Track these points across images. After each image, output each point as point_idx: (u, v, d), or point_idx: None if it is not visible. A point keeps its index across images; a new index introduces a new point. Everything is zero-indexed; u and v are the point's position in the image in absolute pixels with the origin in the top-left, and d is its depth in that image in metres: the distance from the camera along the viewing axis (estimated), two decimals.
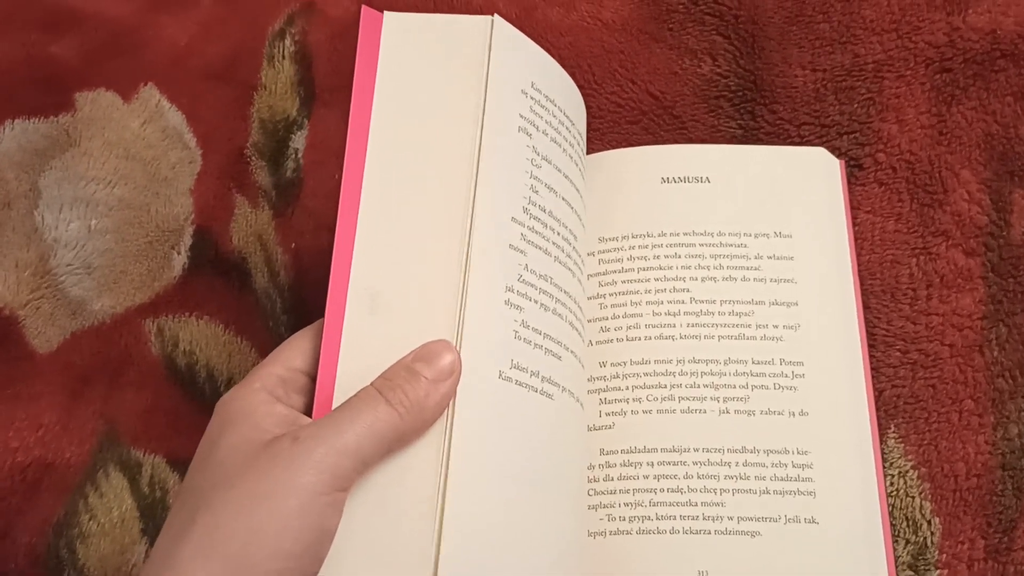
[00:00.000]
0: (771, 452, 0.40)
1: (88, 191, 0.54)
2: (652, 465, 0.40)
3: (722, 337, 0.42)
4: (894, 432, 0.41)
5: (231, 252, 0.52)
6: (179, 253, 0.52)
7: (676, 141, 0.49)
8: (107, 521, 0.45)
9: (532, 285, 0.37)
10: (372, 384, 0.33)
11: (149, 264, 0.52)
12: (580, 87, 0.45)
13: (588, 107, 0.46)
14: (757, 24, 0.50)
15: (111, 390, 0.49)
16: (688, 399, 0.41)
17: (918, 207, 0.45)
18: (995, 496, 0.39)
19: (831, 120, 0.47)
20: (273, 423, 0.32)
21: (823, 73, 0.48)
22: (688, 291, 0.43)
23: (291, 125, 0.54)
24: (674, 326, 0.42)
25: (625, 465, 0.40)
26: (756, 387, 0.41)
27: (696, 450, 0.40)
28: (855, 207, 0.45)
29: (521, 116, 0.38)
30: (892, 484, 0.40)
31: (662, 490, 0.39)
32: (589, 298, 0.43)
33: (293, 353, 0.35)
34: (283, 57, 0.56)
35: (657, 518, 0.39)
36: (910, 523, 0.39)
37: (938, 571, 0.38)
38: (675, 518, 0.39)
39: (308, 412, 0.34)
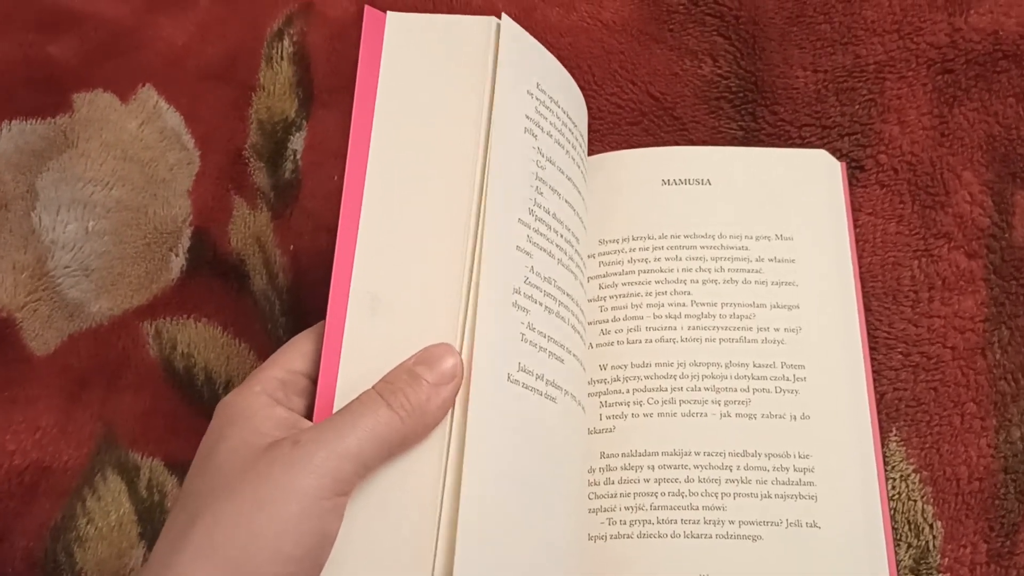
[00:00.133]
0: (772, 456, 0.40)
1: (86, 193, 0.53)
2: (653, 469, 0.40)
3: (723, 340, 0.42)
4: (896, 435, 0.41)
5: (229, 254, 0.51)
6: (177, 255, 0.52)
7: (676, 142, 0.49)
8: (105, 525, 0.45)
9: (537, 287, 0.36)
10: (373, 388, 0.32)
11: (147, 266, 0.52)
12: (580, 88, 0.44)
13: (588, 108, 0.46)
14: (758, 25, 0.50)
15: (109, 393, 0.48)
16: (689, 402, 0.41)
17: (920, 209, 0.44)
18: (997, 500, 0.39)
19: (832, 121, 0.47)
20: (273, 426, 0.32)
21: (824, 74, 0.48)
22: (689, 294, 0.43)
23: (290, 126, 0.54)
24: (675, 329, 0.42)
25: (626, 468, 0.40)
26: (757, 390, 0.41)
27: (697, 453, 0.40)
28: (856, 209, 0.45)
29: (527, 117, 0.38)
30: (894, 488, 0.40)
31: (663, 494, 0.39)
32: (590, 300, 0.43)
33: (293, 355, 0.35)
34: (281, 58, 0.56)
35: (658, 522, 0.39)
36: (912, 527, 0.39)
37: (940, 575, 0.38)
38: (676, 522, 0.39)
39: (309, 415, 0.34)
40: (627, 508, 0.39)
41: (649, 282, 0.43)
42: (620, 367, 0.42)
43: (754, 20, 0.50)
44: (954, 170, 0.44)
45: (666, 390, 0.41)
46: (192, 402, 0.48)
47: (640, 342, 0.42)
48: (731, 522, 0.39)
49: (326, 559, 0.30)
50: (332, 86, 0.55)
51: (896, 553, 0.39)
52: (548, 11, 0.53)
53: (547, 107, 0.40)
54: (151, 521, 0.45)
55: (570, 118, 0.42)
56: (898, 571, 0.39)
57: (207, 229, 0.52)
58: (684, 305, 0.43)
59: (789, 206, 0.45)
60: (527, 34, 0.40)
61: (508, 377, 0.34)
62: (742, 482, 0.39)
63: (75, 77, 0.57)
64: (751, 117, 0.48)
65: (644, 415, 0.41)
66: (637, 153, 0.47)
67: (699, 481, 0.40)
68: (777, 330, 0.42)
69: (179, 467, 0.46)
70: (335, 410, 0.33)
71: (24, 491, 0.46)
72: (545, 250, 0.37)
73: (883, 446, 0.41)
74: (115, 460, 0.47)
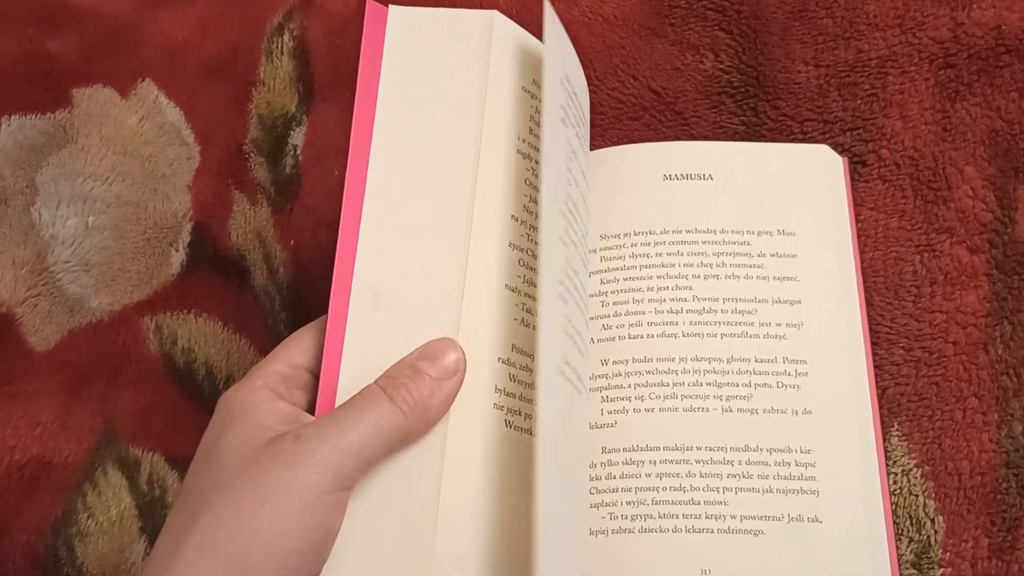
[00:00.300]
0: (774, 451, 0.40)
1: (85, 188, 0.53)
2: (654, 464, 0.40)
3: (725, 335, 0.42)
4: (897, 430, 0.41)
5: (230, 249, 0.51)
6: (177, 250, 0.52)
7: (678, 137, 0.49)
8: (105, 520, 0.45)
9: (571, 280, 0.36)
10: (376, 382, 0.32)
11: (147, 261, 0.52)
12: None
13: (589, 103, 0.46)
14: (760, 19, 0.49)
15: (109, 388, 0.48)
16: (690, 397, 0.41)
17: (922, 204, 0.44)
18: (999, 494, 0.39)
19: (834, 116, 0.47)
20: (275, 420, 0.32)
21: (826, 69, 0.48)
22: (690, 289, 0.43)
23: (290, 121, 0.54)
24: (676, 324, 0.42)
25: (627, 463, 0.40)
26: (759, 385, 0.41)
27: (698, 449, 0.40)
28: (858, 204, 0.45)
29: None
30: (895, 482, 0.40)
31: (664, 488, 0.39)
32: (591, 295, 0.43)
33: (295, 350, 0.35)
34: (282, 53, 0.56)
35: (659, 517, 0.39)
36: (913, 521, 0.39)
37: (941, 570, 0.38)
38: (677, 517, 0.39)
39: (310, 410, 0.34)
40: (628, 503, 0.39)
41: (651, 277, 0.43)
42: (621, 362, 0.42)
43: (756, 15, 0.50)
44: (956, 165, 0.44)
45: (667, 385, 0.41)
46: (192, 397, 0.48)
47: (641, 337, 0.42)
48: (732, 517, 0.39)
49: (328, 554, 0.31)
50: (332, 81, 0.55)
51: (897, 547, 0.39)
52: None
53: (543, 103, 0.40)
54: (152, 516, 0.45)
55: (582, 111, 0.42)
56: (899, 565, 0.39)
57: (207, 224, 0.52)
58: (686, 300, 0.43)
59: (791, 201, 0.45)
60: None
61: (560, 372, 0.34)
62: (743, 477, 0.39)
63: (74, 72, 0.57)
64: (753, 112, 0.48)
65: (645, 410, 0.41)
66: (638, 148, 0.46)
67: (700, 476, 0.39)
68: (779, 325, 0.42)
69: (180, 462, 0.46)
70: (337, 405, 0.33)
71: (24, 486, 0.46)
72: (575, 243, 0.37)
73: (885, 441, 0.41)
74: (115, 455, 0.47)
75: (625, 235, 0.44)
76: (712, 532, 0.38)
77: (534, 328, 0.36)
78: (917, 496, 0.40)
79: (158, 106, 0.56)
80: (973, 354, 0.41)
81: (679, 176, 0.45)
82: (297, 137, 0.53)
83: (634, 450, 0.40)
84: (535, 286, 0.36)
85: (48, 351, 0.50)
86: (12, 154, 0.55)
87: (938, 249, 0.43)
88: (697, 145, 0.47)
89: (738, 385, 0.41)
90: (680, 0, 0.51)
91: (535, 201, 0.38)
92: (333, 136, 0.53)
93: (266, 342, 0.49)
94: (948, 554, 0.39)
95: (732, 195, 0.45)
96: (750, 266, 0.43)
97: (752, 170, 0.46)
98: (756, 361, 0.41)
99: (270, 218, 0.51)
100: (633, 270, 0.43)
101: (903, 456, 0.41)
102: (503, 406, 0.34)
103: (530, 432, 0.34)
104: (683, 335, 0.42)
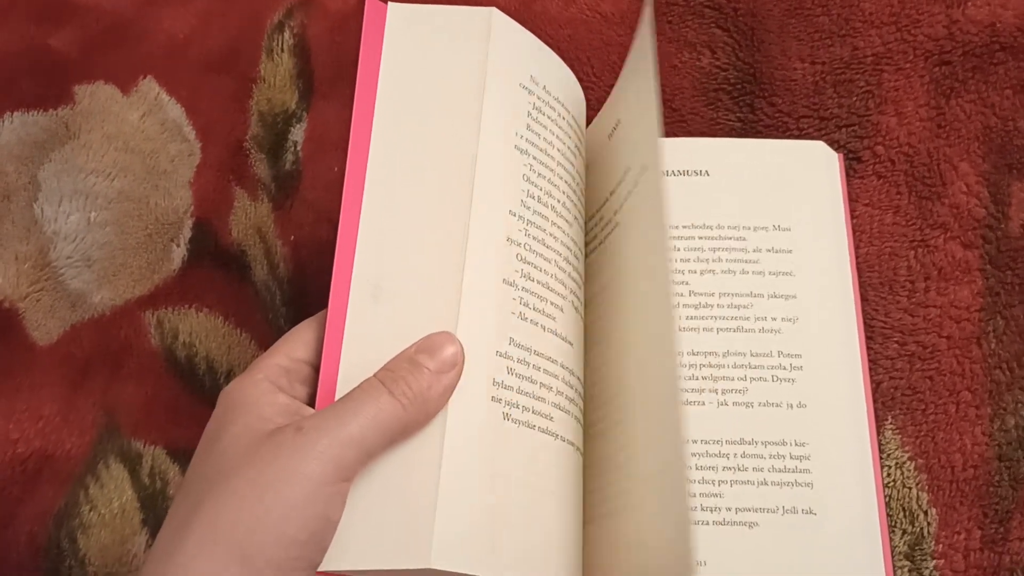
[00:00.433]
0: (769, 444, 0.40)
1: (87, 184, 0.54)
2: None
3: (721, 330, 0.43)
4: (891, 423, 0.41)
5: (230, 244, 0.52)
6: (178, 245, 0.52)
7: (675, 134, 0.49)
8: (108, 512, 0.46)
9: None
10: (375, 375, 0.33)
11: (148, 256, 0.52)
12: (579, 80, 0.45)
13: (587, 100, 0.46)
14: (756, 17, 0.50)
15: (111, 382, 0.49)
16: (687, 391, 0.41)
17: (916, 200, 0.45)
18: (991, 487, 0.39)
19: (830, 113, 0.47)
20: (276, 413, 0.32)
21: (822, 66, 0.48)
22: (687, 284, 0.43)
23: (290, 118, 0.54)
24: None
25: None
26: (755, 379, 0.41)
27: (695, 442, 0.40)
28: (854, 200, 0.46)
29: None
30: (889, 475, 0.40)
31: None
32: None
33: (296, 343, 0.35)
34: (282, 50, 0.56)
35: None
36: (907, 513, 0.40)
37: (934, 561, 0.39)
38: None
39: (311, 403, 0.34)
40: None
41: None
42: None
43: (752, 12, 0.50)
44: (951, 161, 0.45)
45: None
46: (194, 391, 0.48)
47: None
48: (728, 509, 0.39)
49: (329, 543, 0.31)
50: (332, 78, 0.55)
51: (891, 539, 0.39)
52: (548, 3, 0.54)
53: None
54: (153, 508, 0.46)
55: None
56: (893, 557, 0.39)
57: (208, 220, 0.52)
58: (682, 295, 0.43)
59: (787, 197, 0.45)
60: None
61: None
62: (739, 470, 0.40)
63: (76, 69, 0.57)
64: (749, 109, 0.49)
65: None
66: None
67: (696, 469, 0.40)
68: (775, 319, 0.42)
69: (181, 455, 0.47)
70: (337, 397, 0.33)
71: (27, 478, 0.47)
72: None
73: (879, 434, 0.41)
74: (117, 448, 0.47)
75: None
76: (707, 524, 0.39)
77: (531, 322, 0.36)
78: (911, 488, 0.40)
79: (159, 103, 0.56)
80: (966, 348, 0.42)
81: (676, 172, 0.46)
82: (297, 133, 0.54)
83: None
84: (533, 280, 0.37)
85: (50, 345, 0.50)
86: (15, 150, 0.55)
87: (932, 245, 0.44)
88: (694, 141, 0.47)
89: (734, 379, 0.41)
90: None
91: (533, 197, 0.38)
92: (333, 132, 0.53)
93: (267, 336, 0.49)
94: (941, 545, 0.39)
95: (729, 191, 0.45)
96: (746, 261, 0.44)
97: (749, 166, 0.46)
98: (752, 355, 0.42)
99: (271, 214, 0.52)
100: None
101: (897, 449, 0.41)
102: (501, 399, 0.34)
103: (527, 424, 0.35)
104: (680, 329, 0.42)
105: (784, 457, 0.40)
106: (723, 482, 0.40)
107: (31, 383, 0.49)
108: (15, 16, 0.59)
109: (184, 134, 0.55)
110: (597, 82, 0.51)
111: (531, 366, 0.35)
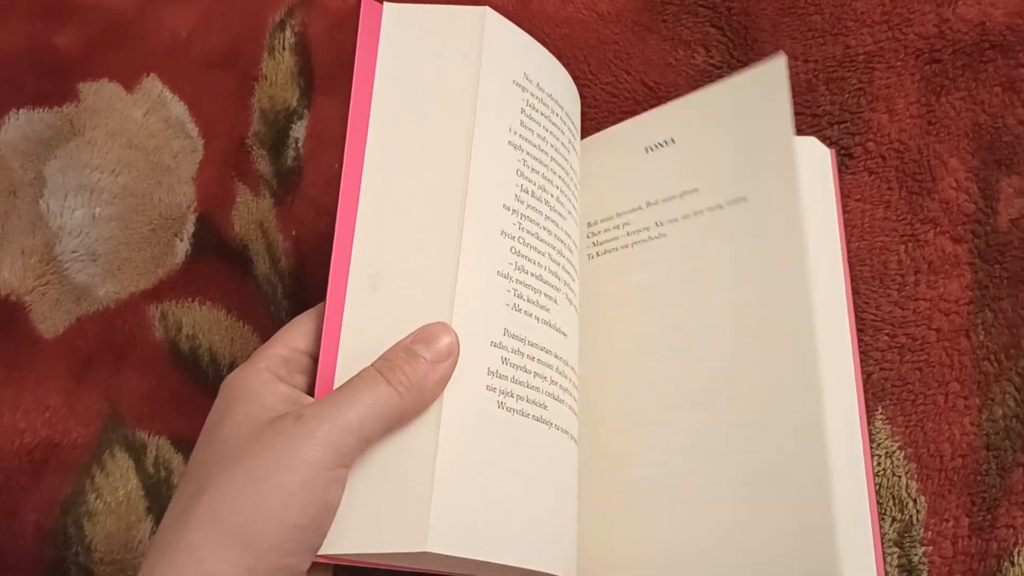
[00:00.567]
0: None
1: (92, 179, 0.54)
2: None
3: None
4: (881, 414, 0.42)
5: (233, 239, 0.52)
6: (182, 240, 0.53)
7: None
8: (113, 500, 0.46)
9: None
10: (373, 365, 0.33)
11: (152, 251, 0.53)
12: (575, 78, 0.45)
13: (583, 97, 0.47)
14: (750, 16, 0.50)
15: (116, 374, 0.49)
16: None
17: (907, 195, 0.45)
18: (979, 476, 0.40)
19: (822, 110, 0.48)
20: (276, 401, 0.33)
21: (815, 64, 0.49)
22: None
23: (291, 115, 0.55)
24: None
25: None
26: None
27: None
28: (845, 195, 0.46)
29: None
30: (879, 464, 0.41)
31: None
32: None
33: (296, 334, 0.36)
34: (283, 48, 0.57)
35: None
36: (896, 501, 0.40)
37: (923, 548, 0.39)
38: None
39: (310, 392, 0.35)
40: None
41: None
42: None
43: (746, 11, 0.51)
44: (941, 157, 0.45)
45: None
46: (197, 382, 0.49)
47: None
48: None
49: (328, 528, 0.31)
50: (333, 75, 0.56)
51: (881, 526, 0.40)
52: (544, 2, 0.54)
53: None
54: (158, 496, 0.46)
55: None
56: (883, 544, 0.40)
57: (211, 215, 0.53)
58: None
59: None
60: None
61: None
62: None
63: (80, 67, 0.58)
64: None
65: None
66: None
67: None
68: None
69: (185, 445, 0.47)
70: (335, 386, 0.34)
71: (34, 468, 0.47)
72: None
73: (869, 424, 0.42)
74: (122, 438, 0.48)
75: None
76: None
77: (526, 313, 0.37)
78: (900, 477, 0.41)
79: (163, 100, 0.56)
80: (955, 340, 0.42)
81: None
82: (298, 130, 0.54)
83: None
84: (527, 273, 0.37)
85: (56, 338, 0.51)
86: (20, 147, 0.56)
87: (922, 239, 0.44)
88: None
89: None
90: None
91: (527, 191, 0.39)
92: (334, 129, 0.54)
93: (268, 329, 0.49)
94: (930, 532, 0.40)
95: None
96: None
97: None
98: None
99: (272, 209, 0.52)
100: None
101: (887, 439, 0.42)
102: (495, 387, 0.35)
103: (521, 413, 0.35)
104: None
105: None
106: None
107: (37, 375, 0.50)
108: (18, 15, 0.60)
109: (187, 131, 0.56)
110: (593, 80, 0.51)
111: (525, 356, 0.36)
